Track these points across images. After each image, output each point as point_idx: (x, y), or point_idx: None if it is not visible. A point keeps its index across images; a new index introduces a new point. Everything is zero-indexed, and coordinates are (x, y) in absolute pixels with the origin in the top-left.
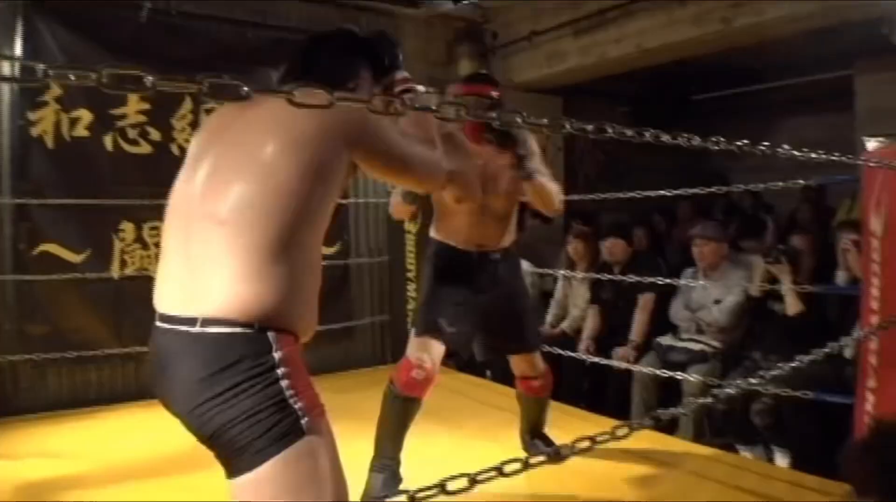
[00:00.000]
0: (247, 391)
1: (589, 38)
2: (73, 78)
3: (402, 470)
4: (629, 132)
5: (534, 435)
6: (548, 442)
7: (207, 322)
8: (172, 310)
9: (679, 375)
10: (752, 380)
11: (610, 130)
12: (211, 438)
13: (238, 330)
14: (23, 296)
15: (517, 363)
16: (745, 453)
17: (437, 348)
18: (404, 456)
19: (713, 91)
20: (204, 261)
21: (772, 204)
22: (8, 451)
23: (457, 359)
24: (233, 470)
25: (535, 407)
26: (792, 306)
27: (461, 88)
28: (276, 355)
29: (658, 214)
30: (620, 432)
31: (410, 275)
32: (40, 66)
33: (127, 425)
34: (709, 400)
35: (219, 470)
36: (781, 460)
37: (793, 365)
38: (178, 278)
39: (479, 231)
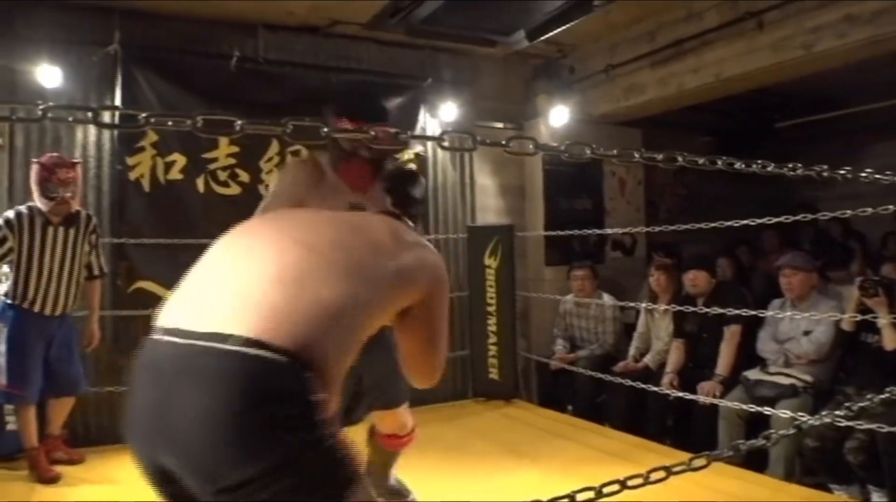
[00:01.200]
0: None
1: (666, 70)
2: (170, 124)
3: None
4: (700, 160)
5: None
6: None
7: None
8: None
9: (768, 410)
10: (844, 415)
11: (680, 159)
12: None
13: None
14: (120, 331)
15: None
16: (840, 493)
17: None
18: (486, 488)
19: (796, 118)
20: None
21: (863, 232)
22: (108, 477)
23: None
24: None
25: (393, 457)
26: (891, 340)
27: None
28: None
29: (743, 246)
30: (697, 463)
31: (490, 309)
32: (142, 115)
33: None
34: (792, 431)
35: None
36: (878, 500)
37: (883, 397)
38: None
39: None
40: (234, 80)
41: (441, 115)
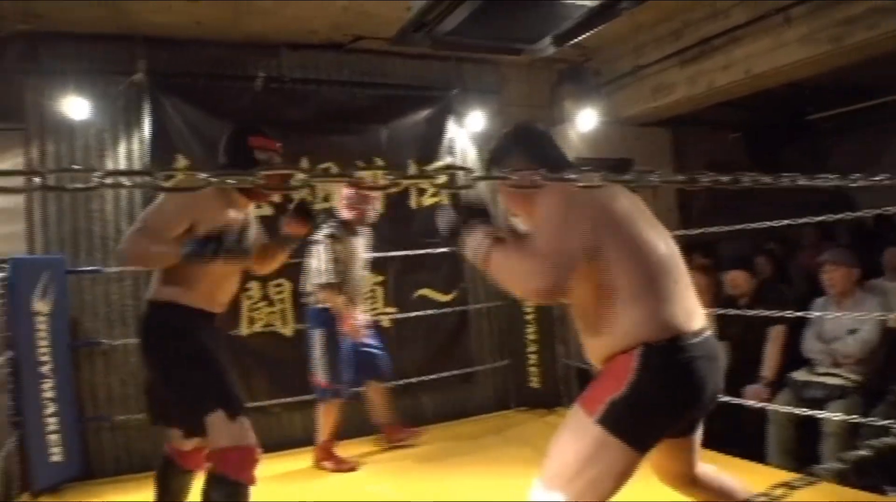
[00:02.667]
0: None
1: (695, 68)
2: (233, 182)
3: None
4: (725, 179)
5: None
6: None
7: None
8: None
9: (820, 414)
10: None
11: (746, 180)
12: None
13: None
14: None
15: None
16: (894, 495)
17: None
18: None
19: (828, 109)
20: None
21: None
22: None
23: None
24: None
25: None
26: None
27: (259, 141)
28: None
29: (776, 242)
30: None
31: (528, 317)
32: (202, 176)
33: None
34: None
35: None
36: None
37: None
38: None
39: (227, 290)
40: (260, 101)
41: (469, 125)
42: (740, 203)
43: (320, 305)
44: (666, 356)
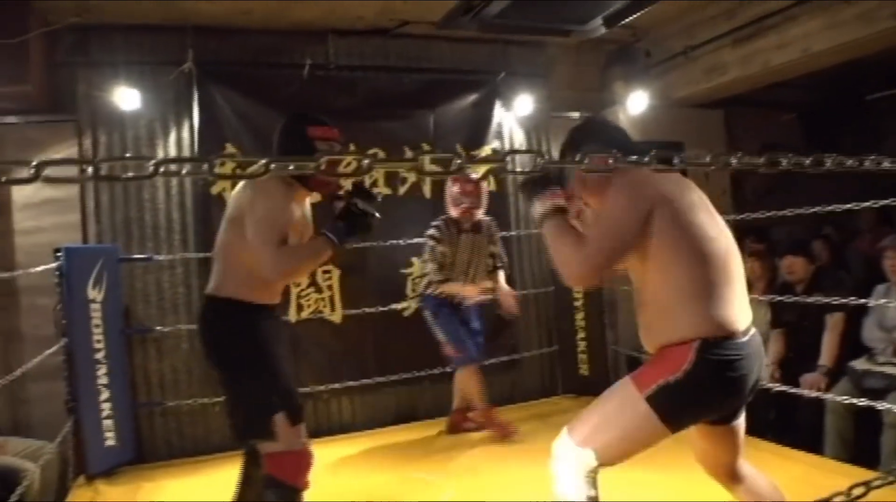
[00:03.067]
0: None
1: (749, 47)
2: (291, 167)
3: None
4: (784, 161)
5: None
6: None
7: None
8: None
9: (881, 405)
10: None
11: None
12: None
13: None
14: None
15: None
16: None
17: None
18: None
19: (887, 89)
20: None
21: None
22: (205, 486)
23: None
24: (741, 411)
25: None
26: None
27: (319, 131)
28: None
29: (833, 226)
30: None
31: (577, 303)
32: (261, 161)
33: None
34: None
35: None
36: None
37: None
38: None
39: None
40: (307, 89)
41: (516, 109)
42: (795, 185)
43: (429, 292)
44: (720, 352)
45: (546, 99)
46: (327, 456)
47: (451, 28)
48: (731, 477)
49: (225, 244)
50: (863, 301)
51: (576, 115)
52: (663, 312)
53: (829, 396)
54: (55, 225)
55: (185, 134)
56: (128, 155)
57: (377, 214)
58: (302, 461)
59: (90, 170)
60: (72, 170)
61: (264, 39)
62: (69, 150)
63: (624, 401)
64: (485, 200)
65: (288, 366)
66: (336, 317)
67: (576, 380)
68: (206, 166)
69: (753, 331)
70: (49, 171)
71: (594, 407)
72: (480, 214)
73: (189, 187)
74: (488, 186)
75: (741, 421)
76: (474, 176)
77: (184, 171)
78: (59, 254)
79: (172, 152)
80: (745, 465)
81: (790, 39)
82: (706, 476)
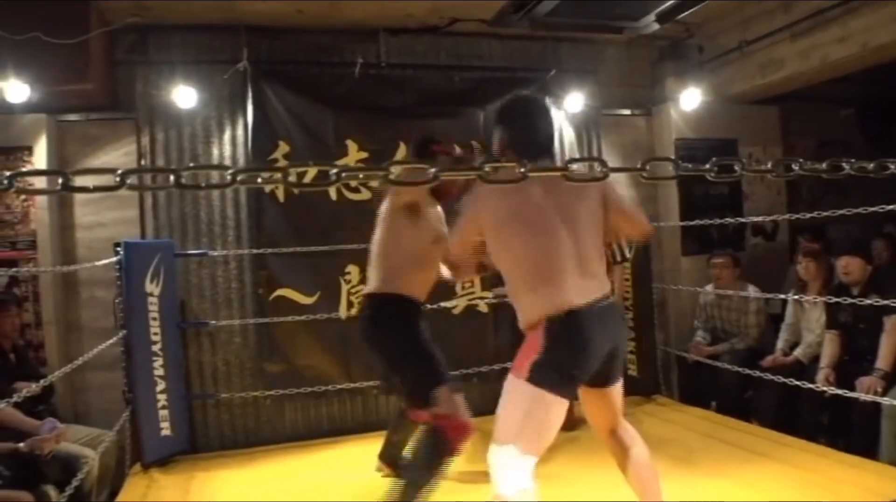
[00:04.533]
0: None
1: (807, 41)
2: (361, 176)
3: None
4: (846, 166)
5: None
6: None
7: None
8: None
9: None
10: None
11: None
12: (616, 356)
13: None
14: (262, 338)
15: None
16: None
17: None
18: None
19: None
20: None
21: None
22: (256, 477)
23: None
24: (614, 379)
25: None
26: None
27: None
28: None
29: (894, 224)
30: None
31: (627, 303)
32: (333, 171)
33: (355, 455)
34: None
35: None
36: None
37: None
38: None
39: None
40: (359, 87)
41: (567, 106)
42: (853, 183)
43: None
44: (561, 325)
45: (597, 96)
46: (375, 451)
47: (501, 26)
48: (610, 436)
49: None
50: None
51: (627, 112)
52: (517, 301)
53: (885, 400)
54: (115, 220)
55: (240, 131)
56: (202, 162)
57: None
58: (465, 429)
59: (172, 178)
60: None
61: (316, 38)
62: (128, 147)
63: (514, 393)
64: None
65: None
66: None
67: (625, 381)
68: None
69: (601, 303)
70: (132, 179)
71: (500, 409)
72: None
73: (243, 186)
74: None
75: (616, 388)
76: None
77: (259, 180)
78: (118, 248)
79: (227, 149)
80: (625, 427)
81: (850, 33)
82: None
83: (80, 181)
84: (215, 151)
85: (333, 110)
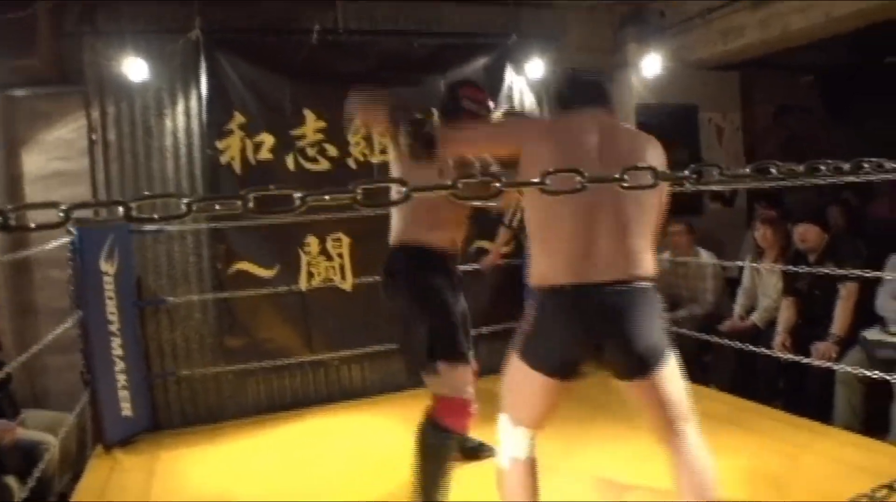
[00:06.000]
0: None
1: (769, 10)
2: (327, 198)
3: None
4: (823, 168)
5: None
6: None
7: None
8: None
9: (893, 378)
10: None
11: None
12: (630, 348)
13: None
14: (221, 313)
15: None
16: None
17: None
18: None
19: None
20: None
21: None
22: (222, 454)
23: None
24: (636, 373)
25: None
26: None
27: (469, 91)
28: None
29: (851, 191)
30: None
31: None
32: (297, 195)
33: (320, 427)
34: None
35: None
36: None
37: None
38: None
39: (462, 231)
40: (317, 55)
41: (528, 72)
42: (811, 152)
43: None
44: (551, 299)
45: (558, 61)
46: (340, 422)
47: None
48: (664, 441)
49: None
50: (876, 274)
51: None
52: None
53: (840, 367)
54: (66, 198)
55: (193, 103)
56: (154, 134)
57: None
58: (463, 407)
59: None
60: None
61: (272, 5)
62: (78, 122)
63: (511, 366)
64: None
65: (459, 318)
66: (346, 285)
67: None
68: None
69: (613, 286)
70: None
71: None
72: None
73: (197, 156)
74: None
75: (650, 384)
76: None
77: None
78: (71, 228)
79: (181, 121)
80: (687, 438)
81: (812, 3)
82: None
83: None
84: (168, 124)
85: (290, 79)
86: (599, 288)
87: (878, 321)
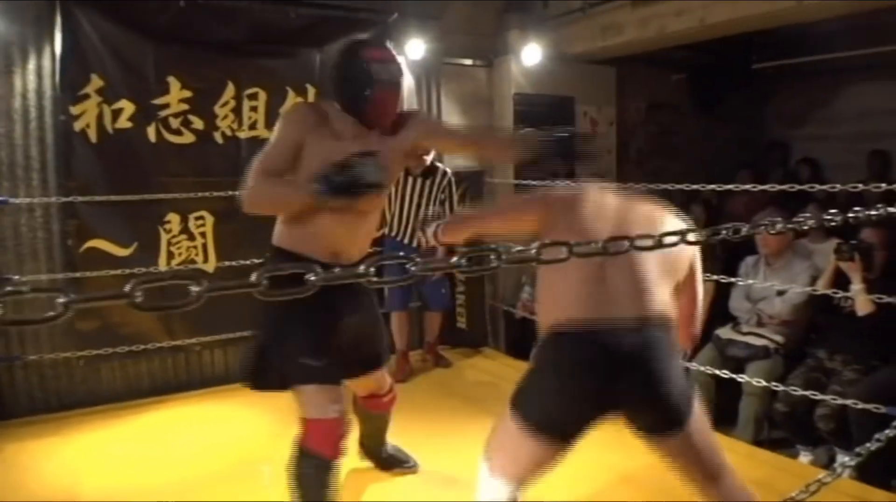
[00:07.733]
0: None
1: (648, 10)
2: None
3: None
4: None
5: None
6: (400, 451)
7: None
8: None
9: (741, 378)
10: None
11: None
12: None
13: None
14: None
15: (366, 382)
16: (806, 454)
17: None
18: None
19: (775, 59)
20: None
21: (829, 177)
22: (73, 445)
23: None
24: (670, 426)
25: (383, 421)
26: (862, 306)
27: (376, 52)
28: None
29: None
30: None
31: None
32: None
33: (179, 416)
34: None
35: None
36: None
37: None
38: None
39: (356, 237)
40: (184, 18)
41: (408, 52)
42: (681, 148)
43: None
44: (551, 345)
45: (439, 43)
46: (201, 410)
47: None
48: (706, 495)
49: None
50: (732, 279)
51: (469, 62)
52: None
53: (692, 366)
54: None
55: (47, 62)
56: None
57: (377, 179)
58: (329, 429)
59: None
60: None
61: None
62: None
63: (505, 418)
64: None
65: (324, 334)
66: (209, 266)
67: (454, 333)
68: None
69: (627, 327)
70: None
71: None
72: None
73: (49, 121)
74: None
75: (678, 438)
76: None
77: None
78: None
79: (32, 81)
80: (731, 481)
81: (689, 8)
82: None
83: None
84: (18, 82)
85: (154, 42)
86: (615, 328)
87: (731, 320)
